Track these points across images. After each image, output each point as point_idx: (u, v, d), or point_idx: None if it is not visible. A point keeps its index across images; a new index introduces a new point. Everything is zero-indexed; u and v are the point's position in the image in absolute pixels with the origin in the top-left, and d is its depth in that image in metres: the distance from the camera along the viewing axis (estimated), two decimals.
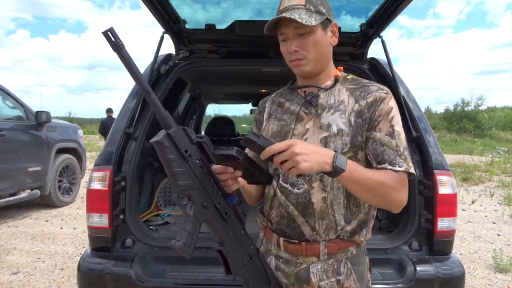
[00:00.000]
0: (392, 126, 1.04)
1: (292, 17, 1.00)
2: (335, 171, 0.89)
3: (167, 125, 0.89)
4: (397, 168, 1.00)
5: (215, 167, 0.97)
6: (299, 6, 1.02)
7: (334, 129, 1.05)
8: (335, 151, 0.94)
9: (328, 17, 1.06)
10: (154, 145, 0.88)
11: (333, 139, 1.05)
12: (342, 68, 1.15)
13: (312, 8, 1.03)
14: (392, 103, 1.06)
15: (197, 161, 0.93)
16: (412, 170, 1.02)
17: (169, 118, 0.89)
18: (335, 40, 1.10)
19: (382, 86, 1.09)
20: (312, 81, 1.11)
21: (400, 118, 1.07)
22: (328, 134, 1.05)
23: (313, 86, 1.10)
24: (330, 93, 1.10)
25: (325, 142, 1.05)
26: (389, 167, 1.00)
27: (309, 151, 0.87)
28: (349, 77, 1.15)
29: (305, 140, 1.08)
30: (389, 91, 1.08)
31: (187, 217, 0.92)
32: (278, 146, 0.86)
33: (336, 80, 1.11)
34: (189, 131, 0.93)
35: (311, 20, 1.01)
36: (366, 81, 1.13)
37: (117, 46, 0.81)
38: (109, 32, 0.79)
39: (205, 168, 0.95)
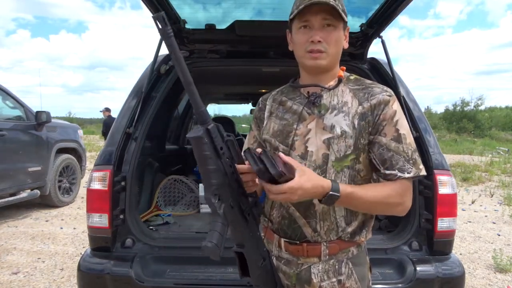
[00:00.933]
0: (397, 130, 1.04)
1: (335, 5, 1.00)
2: (324, 203, 0.95)
3: (204, 121, 0.86)
4: (406, 175, 1.01)
5: (240, 166, 0.94)
6: (330, 0, 1.01)
7: (338, 130, 1.04)
8: (332, 180, 0.97)
9: (346, 21, 1.07)
10: (191, 140, 0.85)
11: (336, 141, 1.04)
12: (344, 68, 1.14)
13: (340, 5, 1.03)
14: (396, 106, 1.06)
15: (227, 159, 0.90)
16: (423, 172, 1.04)
17: (206, 113, 0.87)
18: (346, 44, 1.11)
19: (385, 88, 1.09)
20: (317, 79, 1.10)
21: (405, 120, 1.07)
22: (331, 135, 1.05)
23: (316, 86, 1.09)
24: (333, 94, 1.09)
25: (328, 144, 1.05)
26: (399, 174, 1.01)
27: (304, 193, 0.89)
28: (352, 77, 1.14)
29: (307, 140, 1.07)
30: (392, 93, 1.08)
31: (216, 216, 0.87)
32: (283, 189, 0.87)
33: (340, 80, 1.10)
34: (222, 128, 0.90)
35: (343, 15, 1.02)
36: (369, 82, 1.12)
37: (166, 33, 0.78)
38: (161, 17, 0.77)
39: (233, 167, 0.91)
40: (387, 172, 1.03)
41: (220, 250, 0.85)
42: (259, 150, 0.89)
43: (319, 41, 1.03)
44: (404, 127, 1.05)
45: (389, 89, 1.09)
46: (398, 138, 1.04)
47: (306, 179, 0.88)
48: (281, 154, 0.90)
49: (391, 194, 1.01)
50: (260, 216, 1.02)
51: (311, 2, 1.00)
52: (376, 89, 1.08)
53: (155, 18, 0.77)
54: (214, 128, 0.87)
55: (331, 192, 0.92)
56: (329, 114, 1.07)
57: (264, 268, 1.02)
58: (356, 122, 1.05)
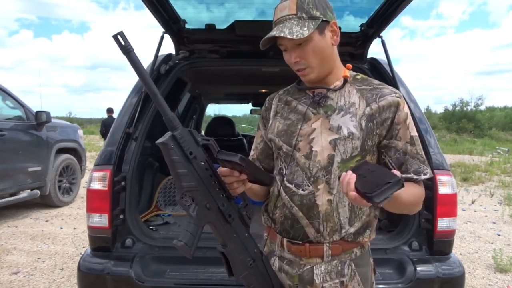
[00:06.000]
0: (410, 133, 1.06)
1: (282, 34, 0.97)
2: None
3: (173, 127, 0.90)
4: (423, 177, 1.05)
5: (221, 169, 0.96)
6: (290, 17, 1.00)
7: (345, 132, 1.03)
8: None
9: (325, 18, 1.02)
10: (159, 146, 0.89)
11: (343, 142, 1.03)
12: (350, 66, 1.13)
13: (304, 15, 1.00)
14: (406, 108, 1.07)
15: (202, 163, 0.93)
16: (432, 173, 1.08)
17: (175, 120, 0.90)
18: (336, 40, 1.06)
19: (394, 89, 1.08)
20: (320, 83, 1.09)
21: (412, 121, 1.08)
22: (338, 136, 1.04)
23: (321, 88, 1.09)
24: (340, 94, 1.08)
25: (334, 144, 1.04)
26: (415, 176, 1.04)
27: None
28: (358, 76, 1.12)
29: (312, 140, 1.06)
30: (401, 95, 1.08)
31: (190, 218, 0.92)
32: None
33: (345, 80, 1.09)
34: (195, 133, 0.93)
35: (303, 31, 0.97)
36: (377, 82, 1.11)
37: (126, 49, 0.83)
38: (118, 36, 0.82)
39: (210, 170, 0.94)
40: (403, 175, 1.03)
41: (192, 249, 0.90)
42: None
43: (296, 61, 1.04)
44: (414, 129, 1.07)
45: (398, 91, 1.08)
46: (412, 141, 1.05)
47: None
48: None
49: (420, 195, 1.05)
50: (251, 218, 1.03)
51: (269, 37, 1.01)
52: (385, 90, 1.07)
53: (115, 37, 0.81)
54: (183, 133, 0.90)
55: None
56: (335, 115, 1.06)
57: (255, 269, 1.03)
58: (363, 124, 1.04)
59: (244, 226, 1.01)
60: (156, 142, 0.90)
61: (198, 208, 0.92)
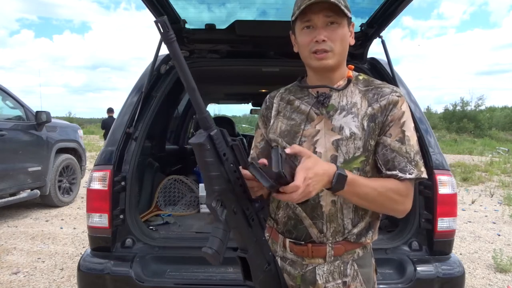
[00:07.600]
0: (403, 132, 1.03)
1: (336, 2, 0.96)
2: (334, 190, 0.92)
3: (208, 126, 0.84)
4: (408, 176, 1.00)
5: (245, 172, 0.92)
6: None
7: (347, 132, 1.03)
8: (345, 158, 0.96)
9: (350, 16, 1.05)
10: (194, 146, 0.84)
11: (345, 143, 1.03)
12: (352, 67, 1.12)
13: (342, 1, 1.01)
14: (405, 107, 1.05)
15: (232, 165, 0.88)
16: (424, 175, 1.03)
17: (210, 119, 0.85)
18: (352, 41, 1.08)
19: (395, 88, 1.07)
20: (326, 78, 1.08)
21: (411, 121, 1.06)
22: (340, 137, 1.03)
23: (325, 87, 1.07)
24: (343, 94, 1.07)
25: (336, 145, 1.03)
26: (399, 174, 1.01)
27: (315, 176, 0.86)
28: (360, 77, 1.12)
29: (316, 141, 1.05)
30: (402, 94, 1.07)
31: (218, 223, 0.87)
32: (298, 183, 0.82)
33: (349, 81, 1.08)
34: (226, 133, 0.88)
35: (346, 11, 1.00)
36: (379, 82, 1.10)
37: (168, 38, 0.76)
38: (160, 23, 0.74)
39: (237, 172, 0.90)
40: (389, 173, 1.02)
41: (221, 257, 0.85)
42: (262, 160, 0.88)
43: (324, 40, 1.00)
44: (409, 128, 1.04)
45: (398, 90, 1.07)
46: (402, 139, 1.03)
47: (312, 162, 0.87)
48: (287, 150, 0.88)
49: (393, 189, 1.00)
50: (266, 221, 1.01)
51: (311, 2, 0.98)
52: (386, 89, 1.06)
53: (157, 23, 0.74)
54: (218, 133, 0.85)
55: (338, 171, 0.90)
56: (337, 115, 1.05)
57: (269, 273, 1.01)
58: (365, 124, 1.03)
59: (262, 229, 0.98)
60: (190, 141, 0.85)
61: (226, 212, 0.87)
